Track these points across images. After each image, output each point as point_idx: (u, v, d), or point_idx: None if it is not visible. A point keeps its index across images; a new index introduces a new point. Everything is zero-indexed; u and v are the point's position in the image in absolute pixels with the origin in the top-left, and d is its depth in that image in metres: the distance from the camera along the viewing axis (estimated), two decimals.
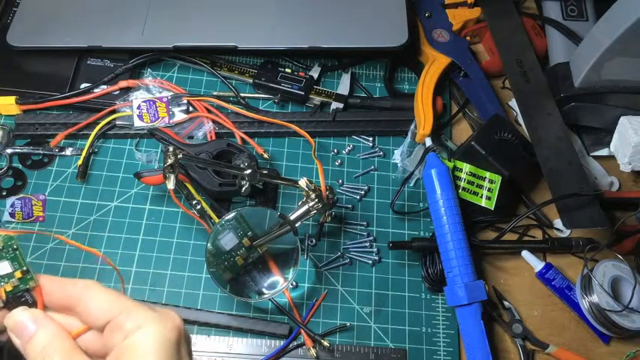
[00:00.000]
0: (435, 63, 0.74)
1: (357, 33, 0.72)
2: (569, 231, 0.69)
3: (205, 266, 0.61)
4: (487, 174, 0.67)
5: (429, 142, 0.69)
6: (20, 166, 0.68)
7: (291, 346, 0.61)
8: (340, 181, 0.71)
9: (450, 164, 0.67)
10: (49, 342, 0.35)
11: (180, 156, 0.58)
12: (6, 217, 0.65)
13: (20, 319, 0.36)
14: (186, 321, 0.60)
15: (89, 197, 0.67)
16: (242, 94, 0.74)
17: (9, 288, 0.37)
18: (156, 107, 0.70)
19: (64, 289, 0.38)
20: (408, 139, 0.71)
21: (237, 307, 0.63)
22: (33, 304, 0.38)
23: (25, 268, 0.38)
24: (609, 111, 0.71)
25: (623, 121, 0.69)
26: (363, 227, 0.68)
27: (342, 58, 0.78)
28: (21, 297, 0.38)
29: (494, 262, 0.68)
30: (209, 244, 0.60)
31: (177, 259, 0.65)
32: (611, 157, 0.71)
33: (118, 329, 0.35)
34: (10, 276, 0.38)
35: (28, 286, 0.38)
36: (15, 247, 0.39)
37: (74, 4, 0.74)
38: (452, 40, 0.77)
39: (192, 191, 0.64)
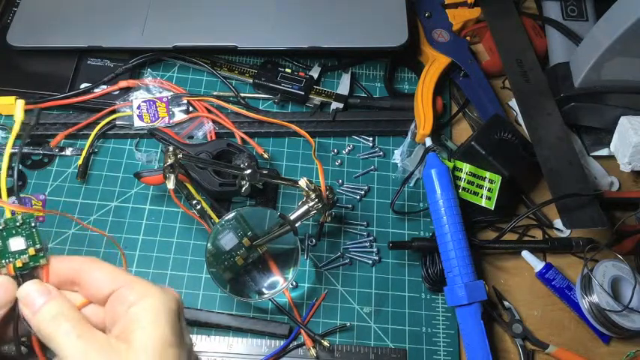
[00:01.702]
0: (435, 63, 0.74)
1: (357, 33, 0.72)
2: (569, 231, 0.69)
3: (205, 266, 0.61)
4: (487, 174, 0.67)
5: (429, 142, 0.68)
6: (20, 166, 0.68)
7: (291, 346, 0.61)
8: (340, 181, 0.71)
9: (450, 164, 0.67)
10: (58, 312, 0.36)
11: (180, 156, 0.58)
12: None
13: (30, 290, 0.37)
14: (186, 321, 0.60)
15: (89, 197, 0.67)
16: (242, 94, 0.74)
17: (19, 264, 0.38)
18: (156, 107, 0.70)
19: (69, 263, 0.40)
20: (408, 139, 0.71)
21: (237, 307, 0.63)
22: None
23: (39, 246, 0.39)
24: (609, 111, 0.71)
25: (623, 121, 0.69)
26: (363, 227, 0.68)
27: (342, 58, 0.78)
28: (29, 274, 0.39)
29: (494, 262, 0.68)
30: (209, 244, 0.60)
31: (177, 259, 0.65)
32: (611, 157, 0.71)
33: (122, 300, 0.37)
34: (22, 252, 0.39)
35: (37, 264, 0.39)
36: (33, 224, 0.40)
37: (74, 4, 0.74)
38: (452, 40, 0.77)
39: (192, 191, 0.64)
